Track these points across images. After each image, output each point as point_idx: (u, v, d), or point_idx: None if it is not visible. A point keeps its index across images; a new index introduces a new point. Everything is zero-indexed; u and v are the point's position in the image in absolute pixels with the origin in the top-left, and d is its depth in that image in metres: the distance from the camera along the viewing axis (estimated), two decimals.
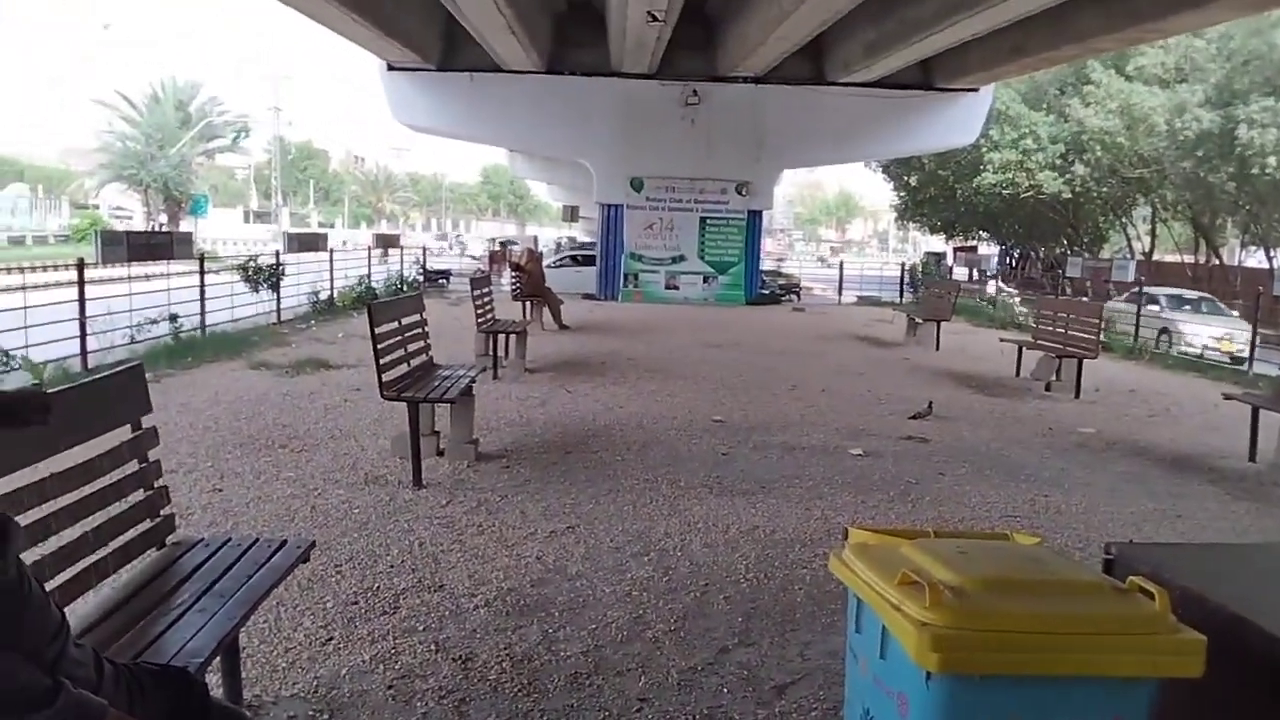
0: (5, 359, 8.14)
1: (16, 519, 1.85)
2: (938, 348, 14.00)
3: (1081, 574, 2.08)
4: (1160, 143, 27.87)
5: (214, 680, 2.98)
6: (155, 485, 2.99)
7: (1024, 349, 11.50)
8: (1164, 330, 17.92)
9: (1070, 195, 32.95)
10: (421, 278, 22.87)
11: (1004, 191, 32.84)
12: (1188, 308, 20.05)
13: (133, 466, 2.91)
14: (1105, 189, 32.76)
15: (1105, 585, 2.03)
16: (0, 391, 1.98)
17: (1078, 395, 10.17)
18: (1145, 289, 20.17)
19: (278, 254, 15.68)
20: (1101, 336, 11.23)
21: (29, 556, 1.96)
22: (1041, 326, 11.91)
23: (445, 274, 25.77)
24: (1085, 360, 10.28)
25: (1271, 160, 24.69)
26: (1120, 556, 2.41)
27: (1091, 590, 2.00)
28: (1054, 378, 10.61)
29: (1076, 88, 30.57)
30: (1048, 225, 38.30)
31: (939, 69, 20.07)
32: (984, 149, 31.16)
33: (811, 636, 3.81)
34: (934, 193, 38.31)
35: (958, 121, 21.81)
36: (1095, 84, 28.84)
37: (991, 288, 27.81)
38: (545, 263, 19.35)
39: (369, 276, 19.12)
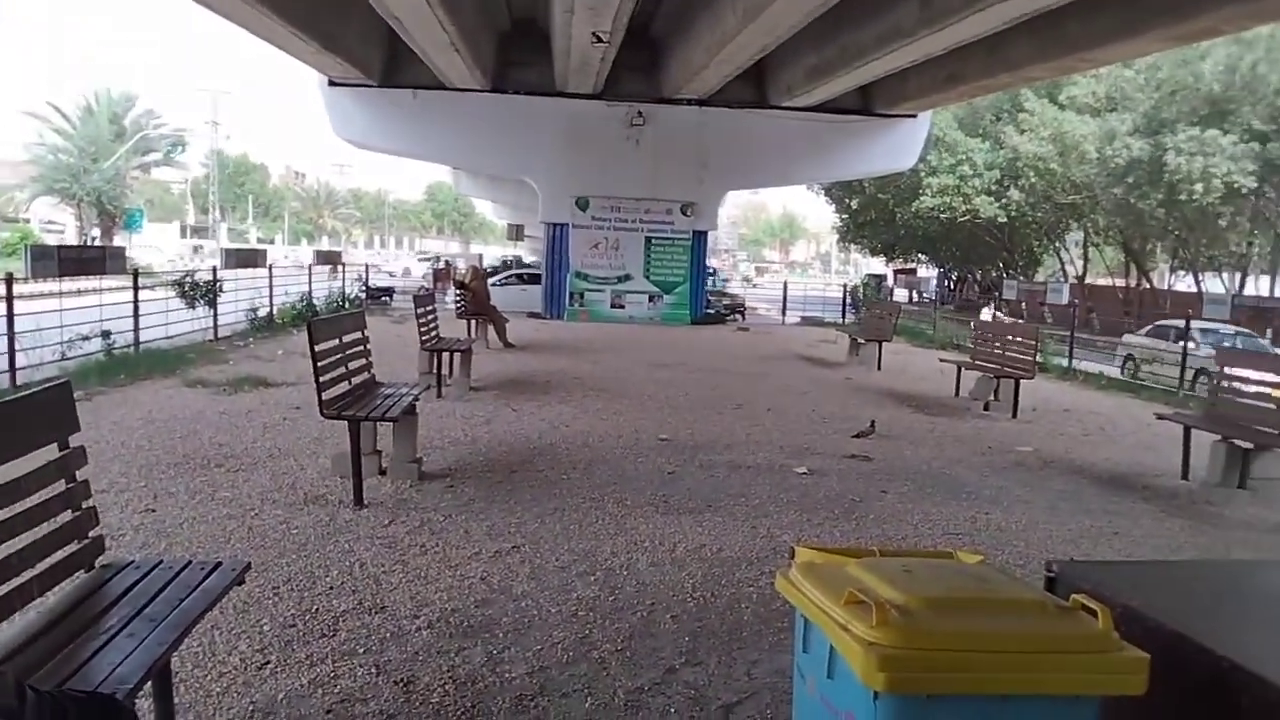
0: None
1: None
2: (879, 367, 14.20)
3: (1025, 592, 2.10)
4: (1091, 169, 28.76)
5: (145, 706, 2.87)
6: (84, 506, 2.88)
7: (963, 369, 11.71)
8: (1200, 372, 14.25)
9: (1006, 220, 33.84)
10: (364, 295, 22.59)
11: (942, 215, 33.61)
12: (1226, 345, 16.36)
13: (59, 486, 2.80)
14: (1039, 214, 33.71)
15: (1049, 603, 2.05)
16: None
17: (1015, 415, 10.37)
18: (1168, 321, 17.81)
19: (215, 270, 15.36)
20: (1038, 358, 11.48)
21: None
22: (980, 347, 12.14)
23: (389, 291, 25.51)
24: (1022, 380, 10.50)
25: (1199, 187, 25.59)
26: (1062, 574, 2.44)
27: (1035, 608, 2.02)
28: (992, 397, 10.82)
29: (1012, 115, 31.45)
30: (984, 249, 39.22)
31: (878, 95, 20.46)
32: (922, 174, 31.87)
33: (758, 655, 3.80)
34: (874, 215, 39.05)
35: (897, 146, 22.23)
36: (1029, 112, 29.69)
37: (987, 314, 25.16)
38: (490, 281, 19.24)
39: (310, 293, 18.83)
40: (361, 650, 3.67)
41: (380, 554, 4.81)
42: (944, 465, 7.71)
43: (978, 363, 11.56)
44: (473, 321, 14.44)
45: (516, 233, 49.61)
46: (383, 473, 6.34)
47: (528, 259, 40.97)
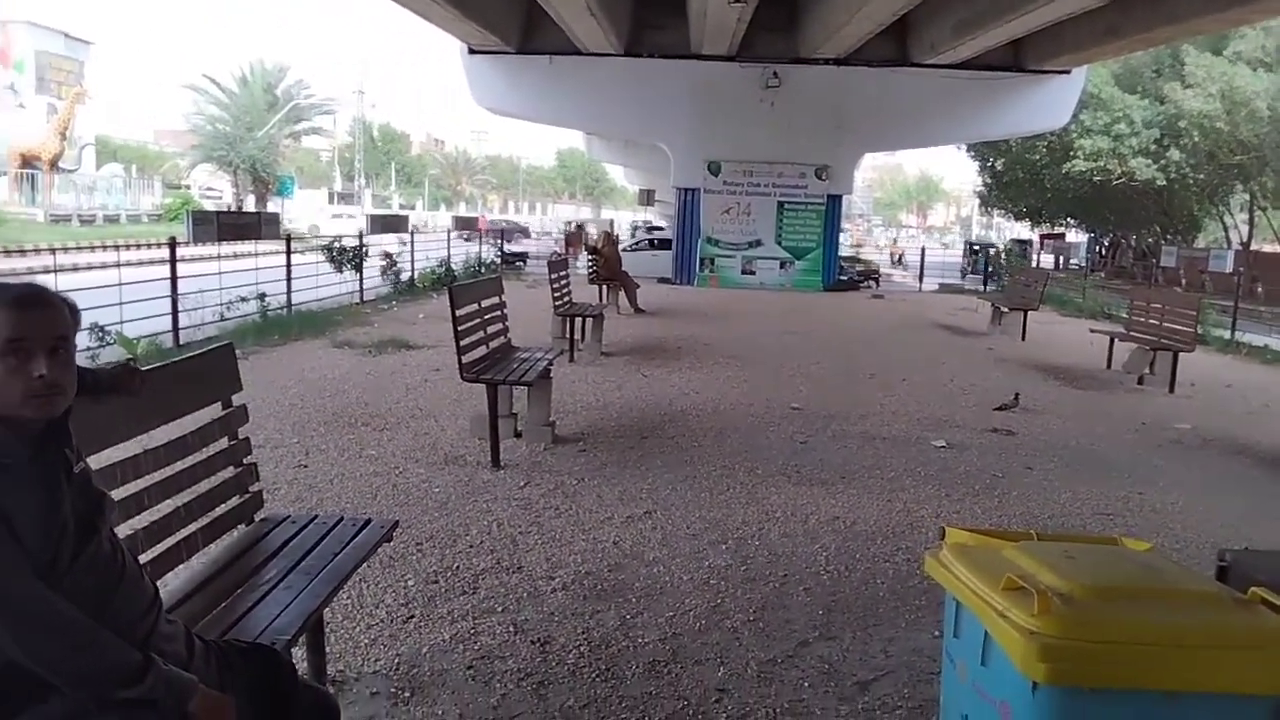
0: (101, 334, 8.42)
1: (111, 493, 1.88)
2: (1024, 337, 13.61)
3: (1199, 583, 1.96)
4: (1262, 128, 26.62)
5: (299, 655, 3.01)
6: (244, 462, 3.03)
7: (1115, 340, 11.09)
8: None
9: (1164, 182, 31.67)
10: (499, 260, 23.08)
11: (1094, 178, 31.73)
12: None
13: (223, 443, 2.96)
14: (1201, 176, 31.42)
15: (1225, 596, 1.91)
16: (100, 368, 2.02)
17: (1172, 390, 9.77)
18: None
19: (361, 235, 15.95)
20: (1198, 329, 10.76)
21: (122, 531, 1.99)
22: (1135, 318, 11.46)
23: (522, 256, 25.98)
24: (1181, 353, 9.87)
25: None
26: (1235, 564, 2.28)
27: (1210, 601, 1.88)
28: (1147, 371, 10.21)
29: (1175, 69, 29.35)
30: (1140, 213, 36.92)
31: (1030, 50, 19.41)
32: (1075, 134, 30.13)
33: (895, 632, 3.71)
34: (1020, 177, 37.23)
35: (1047, 104, 21.09)
36: (1192, 66, 27.66)
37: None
38: (621, 246, 19.33)
39: (449, 258, 19.36)
40: (500, 608, 3.76)
41: (516, 515, 4.92)
42: (1093, 442, 7.34)
43: (1132, 334, 10.92)
44: (604, 287, 14.55)
45: (647, 198, 49.62)
46: (518, 435, 6.47)
47: (658, 224, 40.98)
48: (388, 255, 16.44)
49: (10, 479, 1.58)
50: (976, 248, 31.21)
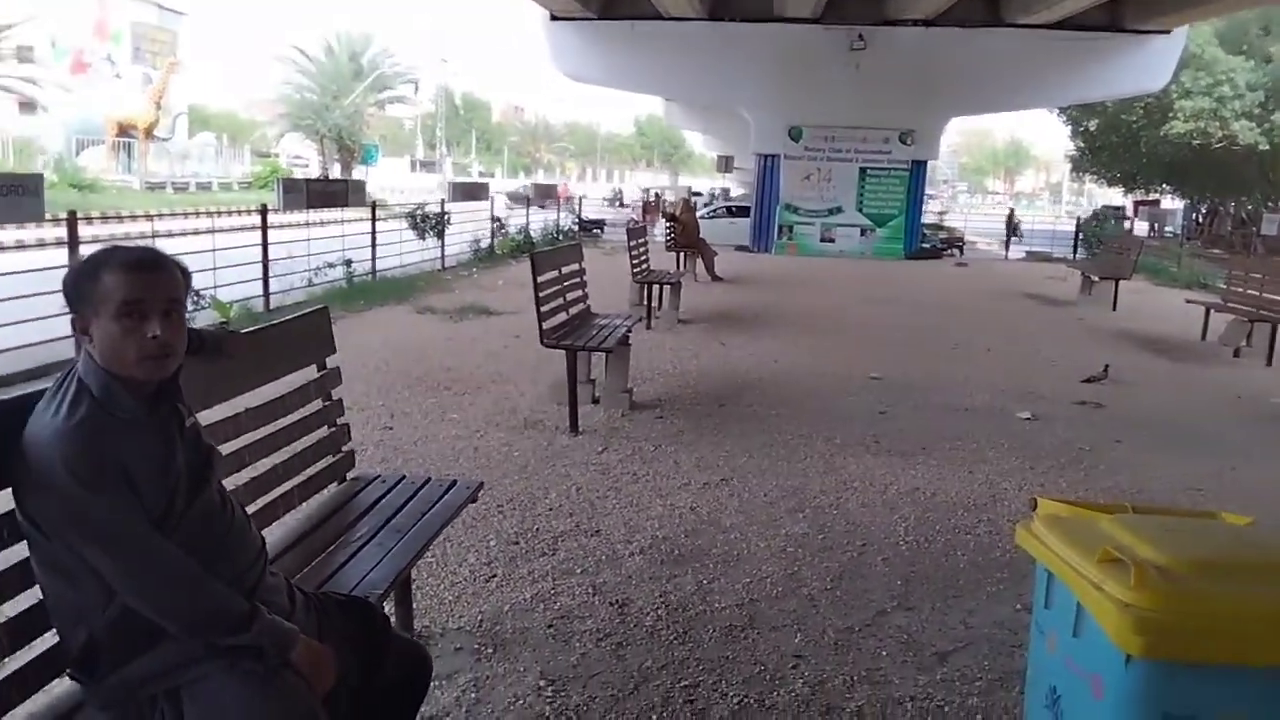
0: (196, 297, 8.73)
1: (218, 449, 1.97)
2: (1115, 307, 13.17)
3: None
4: None
5: (387, 610, 3.12)
6: (338, 422, 3.13)
7: (1212, 311, 10.67)
8: None
9: (1268, 146, 30.11)
10: (577, 227, 23.17)
11: (1193, 141, 30.33)
12: None
13: (317, 404, 3.06)
14: None
15: None
16: (205, 329, 2.10)
17: (1270, 362, 9.37)
18: None
19: (443, 203, 16.18)
20: None
21: (226, 485, 2.08)
22: (1233, 288, 10.99)
23: (600, 224, 26.04)
24: None
25: None
26: None
27: None
28: (1244, 343, 9.81)
29: None
30: (1240, 179, 35.19)
31: (1129, 8, 18.62)
32: (1174, 95, 28.79)
33: (975, 604, 3.67)
34: (1115, 140, 35.78)
35: (1147, 66, 20.20)
36: None
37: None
38: (699, 213, 19.22)
39: (528, 225, 19.52)
40: (579, 570, 3.83)
41: (595, 479, 4.98)
42: (1186, 415, 7.10)
43: (1229, 304, 10.48)
44: (682, 254, 14.51)
45: (726, 164, 49.16)
46: (596, 401, 6.53)
47: (735, 192, 40.59)
48: (497, 219, 17.91)
49: (128, 432, 1.66)
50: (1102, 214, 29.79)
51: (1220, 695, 1.71)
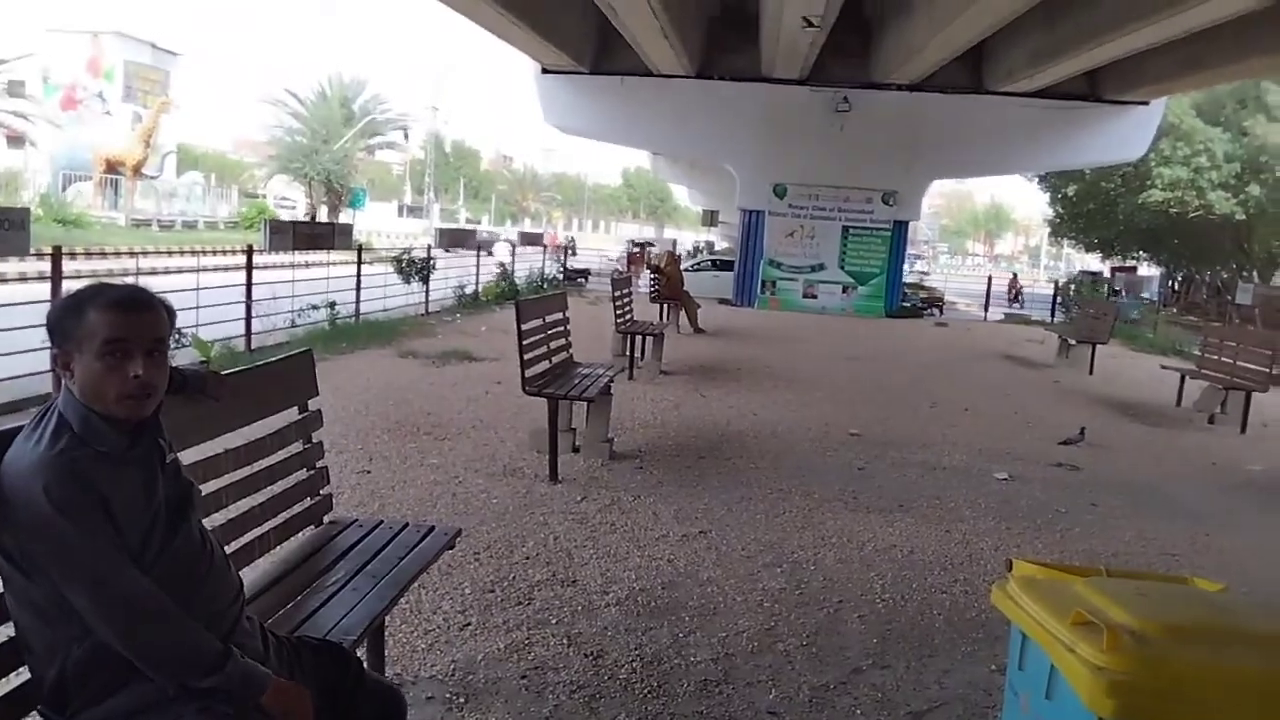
0: (178, 335, 8.69)
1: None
2: (1091, 371, 13.31)
3: (1275, 625, 1.91)
4: None
5: (360, 655, 3.08)
6: (317, 465, 3.12)
7: (1187, 377, 10.81)
8: None
9: (1243, 216, 30.77)
10: (562, 276, 23.28)
11: (1170, 209, 30.95)
12: None
13: (297, 446, 3.05)
14: None
15: None
16: (188, 369, 2.10)
17: (1244, 430, 9.49)
18: None
19: (429, 248, 16.25)
20: (1273, 369, 10.43)
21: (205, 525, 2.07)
22: (1208, 355, 11.15)
23: (584, 273, 26.17)
24: (1254, 393, 9.58)
25: None
26: None
27: None
28: (1219, 410, 9.93)
29: (1259, 102, 28.58)
30: (1215, 248, 35.88)
31: (1107, 80, 19.07)
32: (1153, 163, 29.44)
33: (950, 664, 3.67)
34: (1093, 207, 36.45)
35: (1124, 135, 20.66)
36: (1277, 98, 26.90)
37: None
38: (683, 266, 19.34)
39: (512, 272, 19.59)
40: (554, 620, 3.80)
41: (572, 529, 4.96)
42: (1161, 480, 7.16)
43: (1204, 371, 10.62)
44: (665, 305, 14.60)
45: (711, 218, 49.68)
46: (576, 450, 6.52)
47: (719, 245, 40.92)
48: (502, 265, 19.08)
49: (109, 465, 1.66)
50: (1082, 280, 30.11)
51: None
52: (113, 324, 1.70)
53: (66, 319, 1.71)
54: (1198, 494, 6.83)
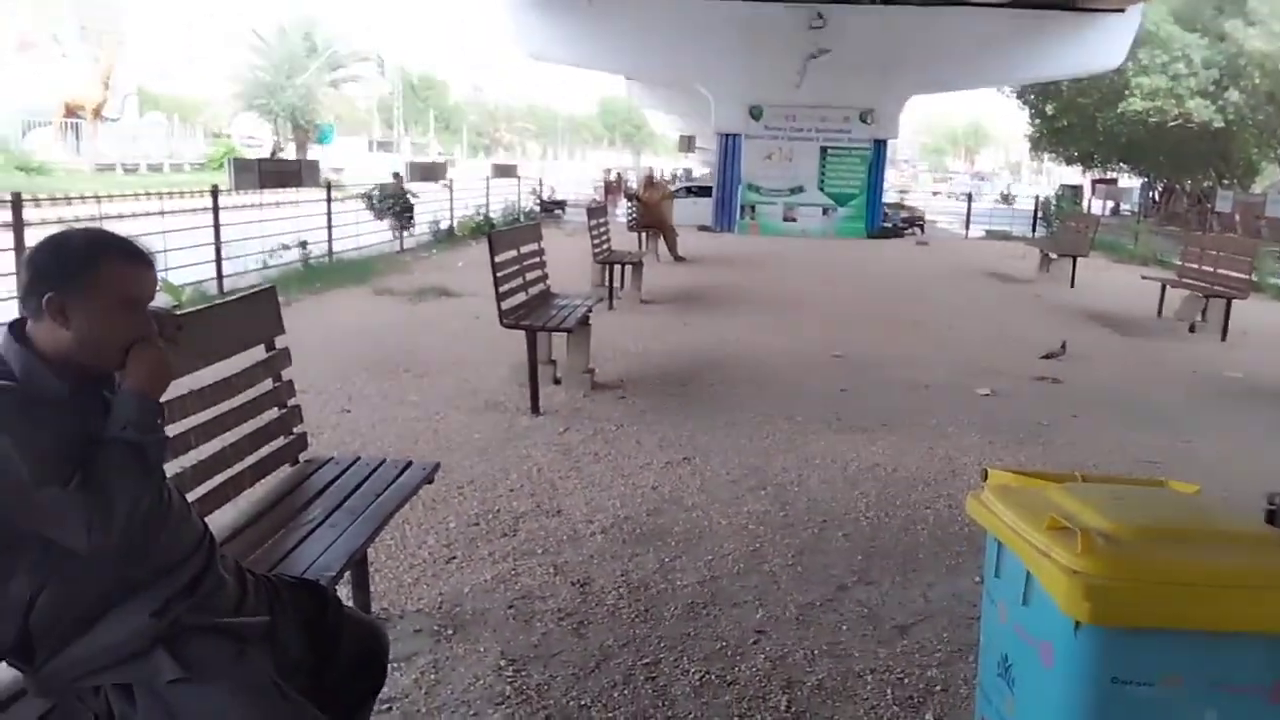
0: None
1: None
2: (1073, 285, 13.34)
3: (1247, 525, 1.92)
4: None
5: (344, 593, 3.07)
6: (289, 404, 3.07)
7: (1167, 287, 10.84)
8: None
9: (1222, 124, 30.62)
10: (538, 208, 23.02)
11: (1149, 119, 30.74)
12: None
13: (267, 385, 2.99)
14: (1261, 117, 30.32)
15: (1273, 537, 1.87)
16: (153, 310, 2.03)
17: (1224, 338, 9.56)
18: None
19: (402, 182, 15.96)
20: (1253, 276, 10.47)
21: (169, 469, 2.03)
22: (1187, 264, 11.17)
23: (561, 204, 25.88)
24: (1234, 301, 9.62)
25: None
26: None
27: (1258, 542, 1.84)
28: (1199, 318, 9.99)
29: (1238, 6, 28.22)
30: (1195, 157, 35.78)
31: None
32: (1130, 73, 29.15)
33: (934, 578, 3.70)
34: (1072, 121, 36.19)
35: (1102, 44, 20.41)
36: (1256, 3, 26.57)
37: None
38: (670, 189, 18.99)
39: (487, 206, 19.35)
40: (540, 550, 3.80)
41: (556, 460, 4.95)
42: (1142, 390, 7.21)
43: (1184, 280, 10.66)
44: (644, 234, 14.47)
45: (687, 144, 49.03)
46: (557, 382, 6.49)
47: (697, 172, 40.48)
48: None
49: (50, 410, 1.60)
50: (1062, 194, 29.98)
51: (1164, 659, 1.73)
52: (138, 280, 1.69)
53: (72, 266, 1.63)
54: (1178, 402, 6.88)
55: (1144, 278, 12.03)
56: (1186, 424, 6.25)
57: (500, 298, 5.87)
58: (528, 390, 5.91)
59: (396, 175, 16.34)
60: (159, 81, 63.49)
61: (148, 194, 10.64)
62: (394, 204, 14.84)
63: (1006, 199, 25.52)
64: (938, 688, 2.92)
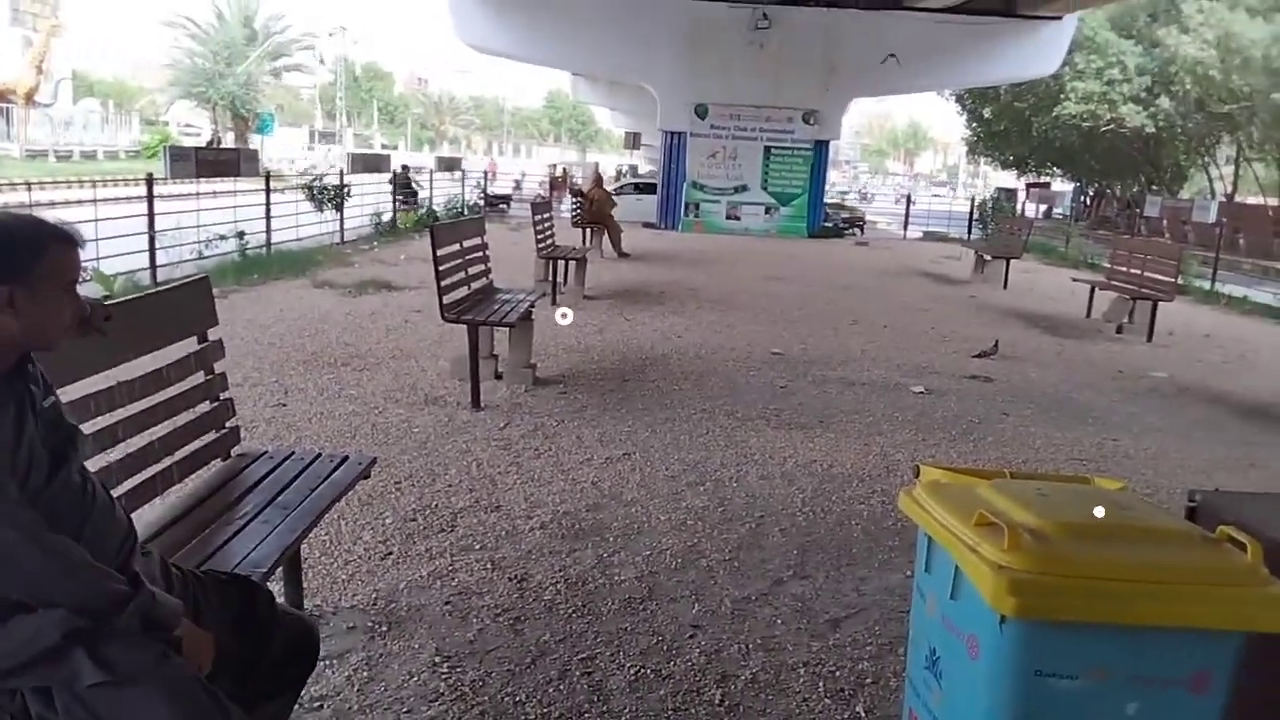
0: None
1: (83, 426, 1.87)
2: (1006, 286, 13.65)
3: (1169, 521, 1.98)
4: (1254, 78, 26.52)
5: (276, 590, 3.01)
6: (221, 397, 3.01)
7: (1096, 289, 11.15)
8: None
9: (1153, 130, 31.57)
10: (482, 203, 22.85)
11: (1083, 124, 31.56)
12: None
13: (199, 378, 2.93)
14: (1190, 124, 31.33)
15: (1194, 534, 1.94)
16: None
17: (1150, 339, 9.85)
18: None
19: (342, 174, 15.74)
20: (1179, 279, 10.81)
21: (96, 463, 1.98)
22: (1116, 267, 11.50)
23: (506, 199, 25.73)
24: (1160, 303, 9.93)
25: None
26: (1204, 504, 2.31)
27: (1179, 538, 1.91)
28: (1127, 320, 10.28)
29: (1172, 14, 29.09)
30: (1126, 162, 36.87)
31: None
32: (1066, 78, 29.90)
33: (868, 572, 3.77)
34: (1008, 125, 37.02)
35: (1039, 51, 20.93)
36: (1191, 11, 27.40)
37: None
38: (613, 189, 19.02)
39: (430, 199, 19.15)
40: (478, 546, 3.79)
41: (496, 455, 4.93)
42: (1071, 389, 7.41)
43: (1113, 283, 10.97)
44: (588, 230, 14.45)
45: (633, 141, 49.09)
46: (498, 377, 6.46)
47: (643, 169, 40.56)
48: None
49: None
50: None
51: (1088, 652, 1.79)
52: (77, 262, 1.71)
53: (21, 253, 1.60)
54: (1105, 401, 7.08)
55: (1074, 280, 12.35)
56: (1114, 422, 6.43)
57: (442, 292, 5.82)
58: (468, 385, 5.87)
59: (405, 168, 17.63)
60: (94, 67, 61.68)
61: (80, 181, 10.35)
62: (403, 192, 17.28)
63: (945, 184, 26.10)
64: (868, 680, 2.97)
